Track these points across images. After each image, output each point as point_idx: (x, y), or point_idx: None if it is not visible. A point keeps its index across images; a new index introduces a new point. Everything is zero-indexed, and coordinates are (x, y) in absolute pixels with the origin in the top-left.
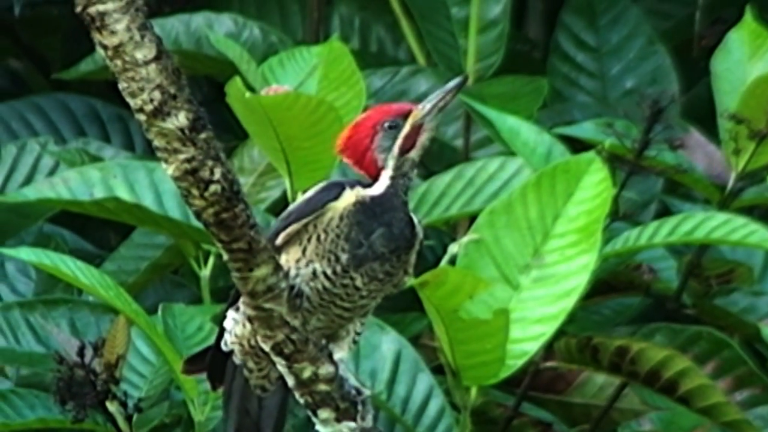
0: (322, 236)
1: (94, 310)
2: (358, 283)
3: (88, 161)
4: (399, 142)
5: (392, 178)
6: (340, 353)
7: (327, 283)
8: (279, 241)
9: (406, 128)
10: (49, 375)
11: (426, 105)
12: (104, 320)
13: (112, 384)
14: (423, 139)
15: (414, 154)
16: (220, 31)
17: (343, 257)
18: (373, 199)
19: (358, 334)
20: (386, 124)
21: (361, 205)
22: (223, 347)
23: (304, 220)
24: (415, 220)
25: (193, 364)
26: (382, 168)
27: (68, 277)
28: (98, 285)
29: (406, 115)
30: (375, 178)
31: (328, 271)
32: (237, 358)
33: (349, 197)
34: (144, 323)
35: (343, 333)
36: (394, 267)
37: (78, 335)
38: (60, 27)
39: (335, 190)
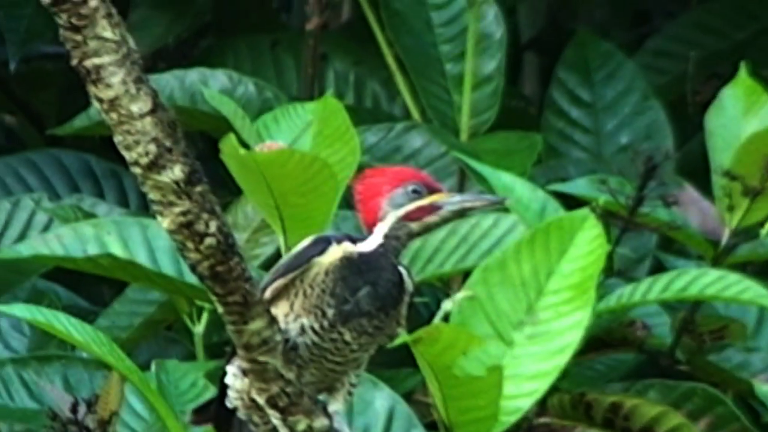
0: (308, 291)
1: (87, 366)
2: (347, 337)
3: (82, 218)
4: (410, 207)
5: (385, 236)
6: (335, 406)
7: (315, 338)
8: (267, 295)
9: (425, 201)
10: (42, 431)
11: (457, 197)
12: (98, 376)
13: None
14: (431, 219)
15: (415, 225)
16: (214, 87)
17: (330, 312)
18: (360, 255)
19: (353, 386)
20: (411, 187)
21: (347, 260)
22: (228, 404)
23: (291, 275)
24: (404, 274)
25: (200, 415)
26: (379, 221)
27: (62, 334)
28: (92, 341)
29: (433, 191)
30: (369, 227)
31: (316, 326)
32: (241, 414)
33: (335, 252)
34: (137, 380)
35: (338, 385)
36: (383, 321)
37: (71, 391)
38: (55, 82)
39: (321, 246)
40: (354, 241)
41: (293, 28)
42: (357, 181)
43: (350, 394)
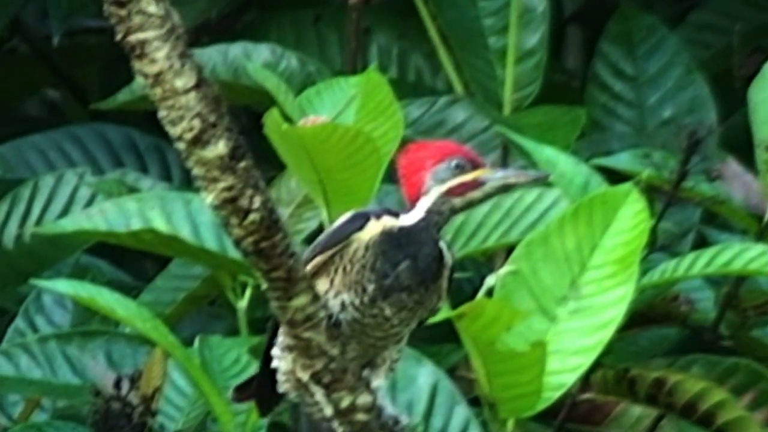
0: (348, 267)
1: (130, 341)
2: (387, 312)
3: (126, 192)
4: (453, 182)
5: (428, 211)
6: (377, 381)
7: (356, 314)
8: (306, 271)
9: (468, 176)
10: (85, 407)
11: (499, 172)
12: (141, 352)
13: (149, 416)
14: (474, 194)
15: (458, 200)
16: (257, 61)
17: (370, 288)
18: (401, 229)
19: (394, 361)
20: (455, 162)
21: (387, 235)
22: (279, 390)
23: (330, 252)
24: (445, 249)
25: (242, 392)
26: (422, 195)
27: (105, 309)
28: (135, 317)
29: (476, 166)
30: (411, 202)
31: (356, 302)
32: (292, 395)
33: (374, 228)
34: (181, 355)
35: (379, 361)
36: (423, 296)
37: (115, 367)
38: (98, 56)
39: (360, 221)
40: (394, 215)
41: (336, 2)
42: (400, 156)
43: (392, 369)
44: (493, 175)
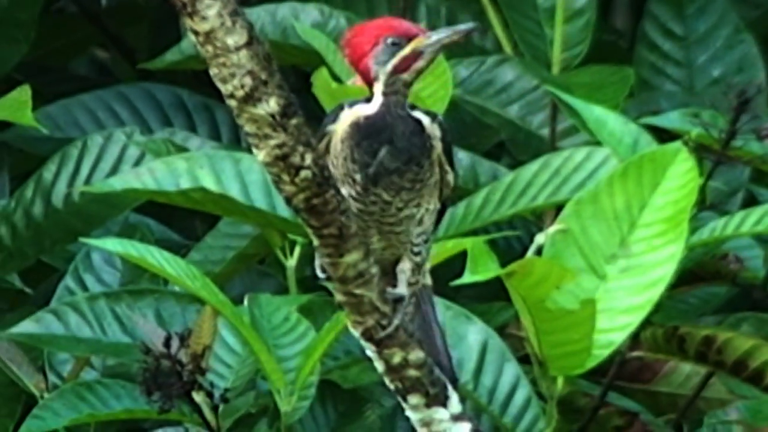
0: (335, 161)
1: (180, 300)
2: (386, 197)
3: (175, 151)
4: (395, 60)
5: (384, 94)
6: (402, 265)
7: (359, 205)
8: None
9: (406, 50)
10: (135, 366)
11: (433, 36)
12: (190, 311)
13: (199, 374)
14: (419, 65)
15: (407, 75)
16: (306, 21)
17: (358, 177)
18: (366, 118)
19: (415, 245)
20: (389, 40)
21: (356, 125)
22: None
23: (321, 146)
24: (425, 120)
25: None
26: (374, 80)
27: (154, 268)
28: (184, 275)
29: (411, 38)
30: (369, 86)
31: (353, 193)
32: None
33: (345, 119)
34: (230, 313)
35: (403, 250)
36: (419, 173)
37: (164, 326)
38: (146, 16)
39: (335, 113)
40: (368, 101)
41: None
42: (342, 47)
43: (415, 253)
44: (428, 41)
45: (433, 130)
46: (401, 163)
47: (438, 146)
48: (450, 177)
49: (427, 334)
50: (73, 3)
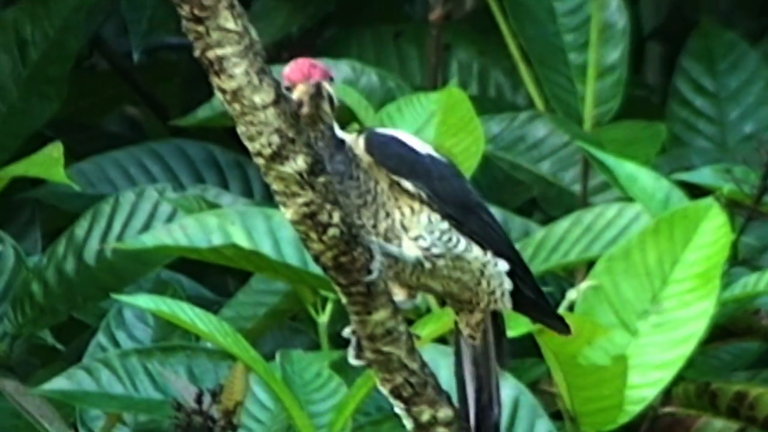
0: None
1: (212, 356)
2: (358, 221)
3: (206, 208)
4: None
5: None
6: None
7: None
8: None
9: (293, 95)
10: (167, 422)
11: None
12: (222, 367)
13: (230, 431)
14: (303, 111)
15: (305, 119)
16: (338, 77)
17: None
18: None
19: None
20: (285, 84)
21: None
22: None
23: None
24: (348, 139)
25: None
26: None
27: (186, 324)
28: (216, 331)
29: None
30: None
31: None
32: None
33: None
34: (262, 370)
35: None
36: (360, 186)
37: (196, 382)
38: (178, 73)
39: None
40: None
41: (416, 19)
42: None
43: (427, 249)
44: (306, 89)
45: (358, 144)
46: (338, 183)
47: (365, 157)
48: (406, 184)
49: (461, 386)
50: (104, 60)
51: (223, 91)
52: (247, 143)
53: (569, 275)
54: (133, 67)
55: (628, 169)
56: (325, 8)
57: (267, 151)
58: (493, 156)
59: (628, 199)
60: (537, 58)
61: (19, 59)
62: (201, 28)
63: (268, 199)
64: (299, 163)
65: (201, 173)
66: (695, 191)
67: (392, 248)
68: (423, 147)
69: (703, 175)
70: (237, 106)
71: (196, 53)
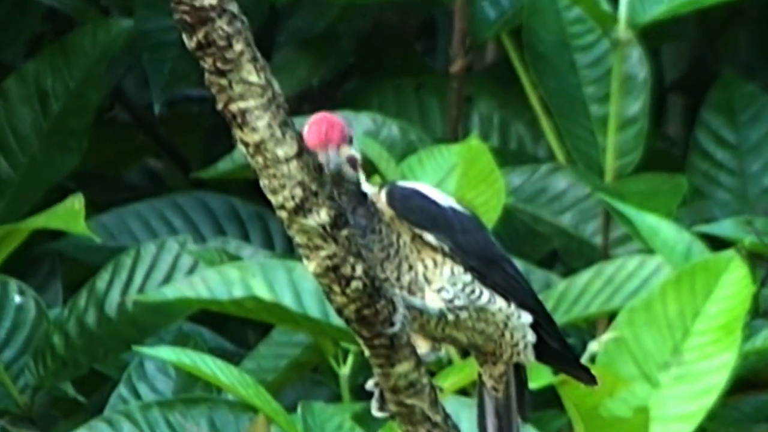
0: None
1: (233, 408)
2: (381, 274)
3: (227, 260)
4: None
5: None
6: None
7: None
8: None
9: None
10: None
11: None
12: (243, 419)
13: None
14: (326, 171)
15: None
16: (359, 129)
17: None
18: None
19: (448, 301)
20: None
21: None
22: None
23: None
24: (370, 192)
25: None
26: None
27: (208, 376)
28: (238, 383)
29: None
30: None
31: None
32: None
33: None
34: (284, 422)
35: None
36: (382, 239)
37: None
38: (199, 125)
39: None
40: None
41: (437, 71)
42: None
43: (450, 301)
44: (327, 158)
45: (379, 197)
46: (360, 237)
47: (387, 210)
48: (429, 237)
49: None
50: (125, 112)
51: (246, 144)
52: (269, 196)
53: (591, 327)
54: (155, 119)
55: (649, 221)
56: (346, 60)
57: (290, 204)
58: (514, 208)
59: (650, 251)
60: (558, 110)
61: (40, 111)
62: (224, 81)
63: (290, 252)
64: (322, 216)
65: (222, 225)
66: (716, 243)
67: (415, 300)
68: (445, 200)
69: (724, 228)
70: (260, 159)
71: (219, 106)
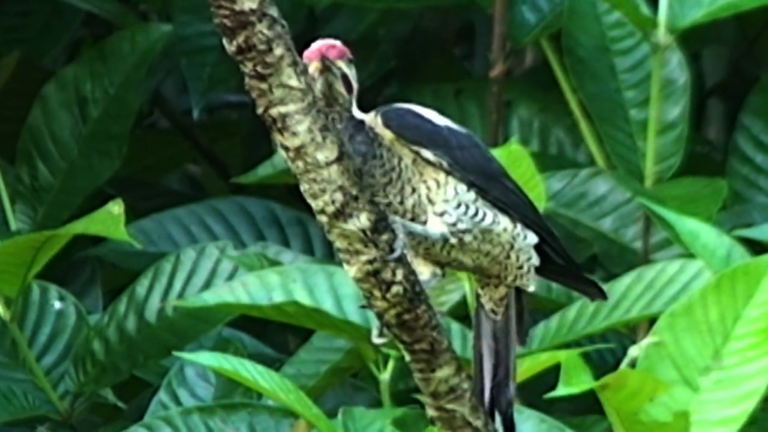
0: None
1: (273, 414)
2: (383, 199)
3: (267, 265)
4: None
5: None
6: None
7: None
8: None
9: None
10: None
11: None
12: (284, 424)
13: None
14: (317, 86)
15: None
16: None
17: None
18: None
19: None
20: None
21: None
22: None
23: None
24: (366, 118)
25: None
26: None
27: (248, 381)
28: (278, 389)
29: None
30: None
31: None
32: None
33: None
34: (324, 427)
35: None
36: (384, 164)
37: None
38: (239, 131)
39: None
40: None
41: (477, 76)
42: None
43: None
44: (314, 65)
45: (376, 122)
46: (361, 164)
47: (386, 134)
48: (426, 153)
49: (478, 361)
50: (164, 118)
51: (286, 149)
52: (310, 201)
53: (631, 332)
54: (194, 124)
55: (689, 225)
56: (386, 65)
57: (330, 209)
58: (554, 213)
59: (690, 255)
60: (598, 115)
61: (80, 117)
62: (264, 85)
63: (330, 257)
64: (362, 220)
65: (262, 230)
66: (756, 247)
67: (416, 227)
68: (440, 119)
69: (764, 232)
70: (300, 163)
71: (259, 111)
